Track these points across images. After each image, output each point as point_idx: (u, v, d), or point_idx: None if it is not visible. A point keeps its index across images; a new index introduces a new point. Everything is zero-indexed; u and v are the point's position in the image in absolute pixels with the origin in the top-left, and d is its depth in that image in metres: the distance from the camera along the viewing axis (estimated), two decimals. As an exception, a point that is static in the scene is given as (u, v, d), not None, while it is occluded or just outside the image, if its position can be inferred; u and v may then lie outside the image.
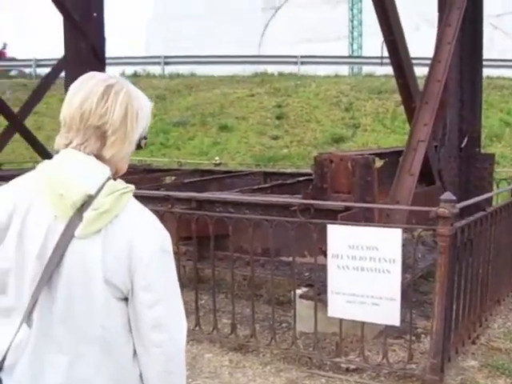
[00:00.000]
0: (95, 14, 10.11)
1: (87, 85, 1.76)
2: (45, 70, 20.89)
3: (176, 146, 15.27)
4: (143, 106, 1.82)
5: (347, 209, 4.77)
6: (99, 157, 1.74)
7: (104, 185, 1.69)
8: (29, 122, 11.12)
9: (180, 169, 9.66)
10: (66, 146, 1.76)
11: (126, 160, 1.85)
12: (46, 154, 10.52)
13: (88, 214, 1.65)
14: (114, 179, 1.76)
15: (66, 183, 1.68)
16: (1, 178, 8.52)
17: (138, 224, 1.71)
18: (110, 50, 10.86)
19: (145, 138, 1.86)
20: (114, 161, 1.77)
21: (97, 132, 1.72)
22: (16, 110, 11.28)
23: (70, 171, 1.70)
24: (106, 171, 1.73)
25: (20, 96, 18.36)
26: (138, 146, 1.85)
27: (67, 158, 1.73)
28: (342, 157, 5.22)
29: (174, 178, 8.76)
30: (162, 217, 4.67)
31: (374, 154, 5.82)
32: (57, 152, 1.79)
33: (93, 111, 1.71)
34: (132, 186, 1.76)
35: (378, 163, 6.32)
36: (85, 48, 10.14)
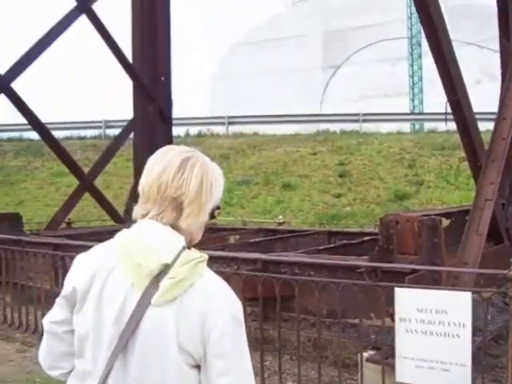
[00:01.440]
0: (163, 78, 10.50)
1: (165, 157, 1.84)
2: (113, 131, 21.70)
3: (240, 205, 15.45)
4: (217, 177, 1.89)
5: (414, 270, 4.71)
6: (175, 227, 1.81)
7: (179, 254, 1.76)
8: (97, 181, 11.46)
9: (244, 228, 9.77)
10: (144, 216, 1.84)
11: (201, 229, 1.91)
12: (114, 213, 10.81)
13: (164, 283, 1.71)
14: (189, 248, 1.82)
15: (143, 252, 1.75)
16: (71, 236, 8.83)
17: (211, 293, 1.76)
18: (175, 110, 11.20)
19: (218, 207, 1.92)
20: (189, 230, 1.84)
21: (173, 203, 1.80)
22: (86, 169, 11.69)
23: (147, 241, 1.77)
24: (181, 241, 1.79)
25: (90, 156, 19.04)
26: (212, 216, 1.91)
27: (145, 228, 1.81)
28: (408, 218, 5.19)
29: (238, 237, 8.85)
30: (228, 278, 4.73)
31: (440, 214, 5.76)
32: (135, 221, 1.87)
33: (170, 183, 1.79)
34: (206, 256, 1.81)
35: (445, 223, 6.25)
36: (152, 111, 10.51)
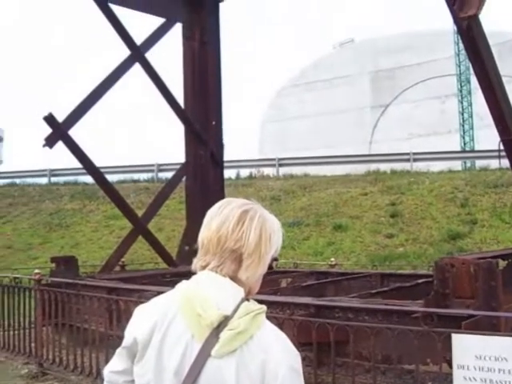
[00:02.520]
0: (214, 123, 10.69)
1: (224, 210, 1.89)
2: (165, 174, 22.06)
3: (291, 247, 15.40)
4: (275, 229, 1.93)
5: (471, 315, 4.62)
6: (234, 278, 1.84)
7: (239, 306, 1.79)
8: (150, 224, 11.59)
9: (296, 270, 9.73)
10: (203, 267, 1.88)
11: (259, 281, 1.94)
12: (166, 256, 10.91)
13: (224, 335, 1.74)
14: (247, 299, 1.85)
15: (203, 304, 1.78)
16: (124, 279, 8.95)
17: (270, 345, 1.78)
18: (226, 153, 11.34)
19: (276, 259, 1.96)
20: (248, 282, 1.87)
21: (232, 255, 1.84)
22: (139, 211, 11.88)
23: (208, 292, 1.80)
24: (240, 292, 1.83)
25: (143, 199, 19.36)
26: (269, 267, 1.94)
27: (204, 279, 1.85)
28: (463, 260, 5.10)
29: (290, 279, 8.83)
30: (281, 323, 4.72)
31: (496, 256, 5.65)
32: (194, 273, 1.91)
33: (229, 235, 1.83)
34: (264, 307, 1.84)
35: (502, 264, 6.13)
36: (204, 154, 10.68)
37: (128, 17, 10.08)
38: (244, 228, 1.84)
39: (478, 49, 6.87)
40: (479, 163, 22.97)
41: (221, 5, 11.25)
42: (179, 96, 10.86)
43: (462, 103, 31.36)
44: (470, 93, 30.74)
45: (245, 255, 1.83)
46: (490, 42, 7.10)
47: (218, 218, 1.87)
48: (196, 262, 1.91)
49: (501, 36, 28.29)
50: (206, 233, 1.89)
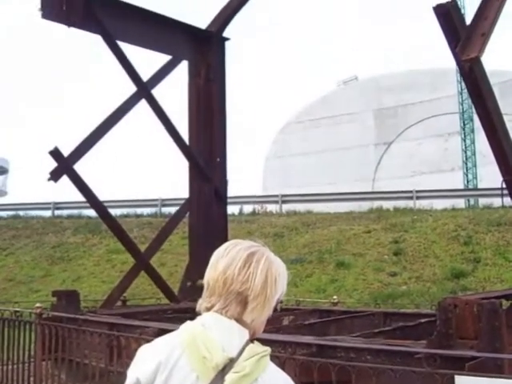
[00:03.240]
0: (218, 159, 10.75)
1: (231, 252, 1.91)
2: (169, 209, 22.10)
3: (294, 284, 15.32)
4: (281, 272, 1.94)
5: (475, 356, 4.59)
6: (239, 320, 1.85)
7: (244, 348, 1.80)
8: (152, 259, 11.57)
9: (298, 308, 9.67)
10: (208, 309, 1.89)
11: (264, 323, 1.95)
12: (168, 292, 10.85)
13: (230, 377, 1.74)
14: (252, 341, 1.86)
15: (208, 346, 1.79)
16: (126, 315, 8.90)
17: None
18: (229, 189, 11.37)
19: (281, 301, 1.97)
20: (254, 325, 1.88)
21: (238, 297, 1.85)
22: (142, 246, 11.85)
23: (213, 334, 1.81)
24: (245, 335, 1.84)
25: (146, 234, 19.36)
26: (274, 309, 1.95)
27: (210, 321, 1.86)
28: (466, 301, 5.09)
29: (292, 317, 8.76)
30: (283, 363, 4.69)
31: (500, 296, 5.64)
32: (199, 314, 1.92)
33: (235, 277, 1.85)
34: (269, 349, 1.85)
35: (505, 304, 6.12)
36: (208, 191, 10.71)
37: (132, 53, 10.18)
38: (250, 270, 1.86)
39: (480, 90, 6.95)
40: (482, 201, 23.01)
41: (226, 42, 11.40)
42: (184, 132, 10.93)
43: (464, 141, 31.52)
44: (472, 131, 30.91)
45: (250, 298, 1.85)
46: (492, 81, 7.19)
47: (225, 259, 1.89)
48: (201, 303, 1.93)
49: (502, 75, 28.56)
50: (212, 274, 1.90)
